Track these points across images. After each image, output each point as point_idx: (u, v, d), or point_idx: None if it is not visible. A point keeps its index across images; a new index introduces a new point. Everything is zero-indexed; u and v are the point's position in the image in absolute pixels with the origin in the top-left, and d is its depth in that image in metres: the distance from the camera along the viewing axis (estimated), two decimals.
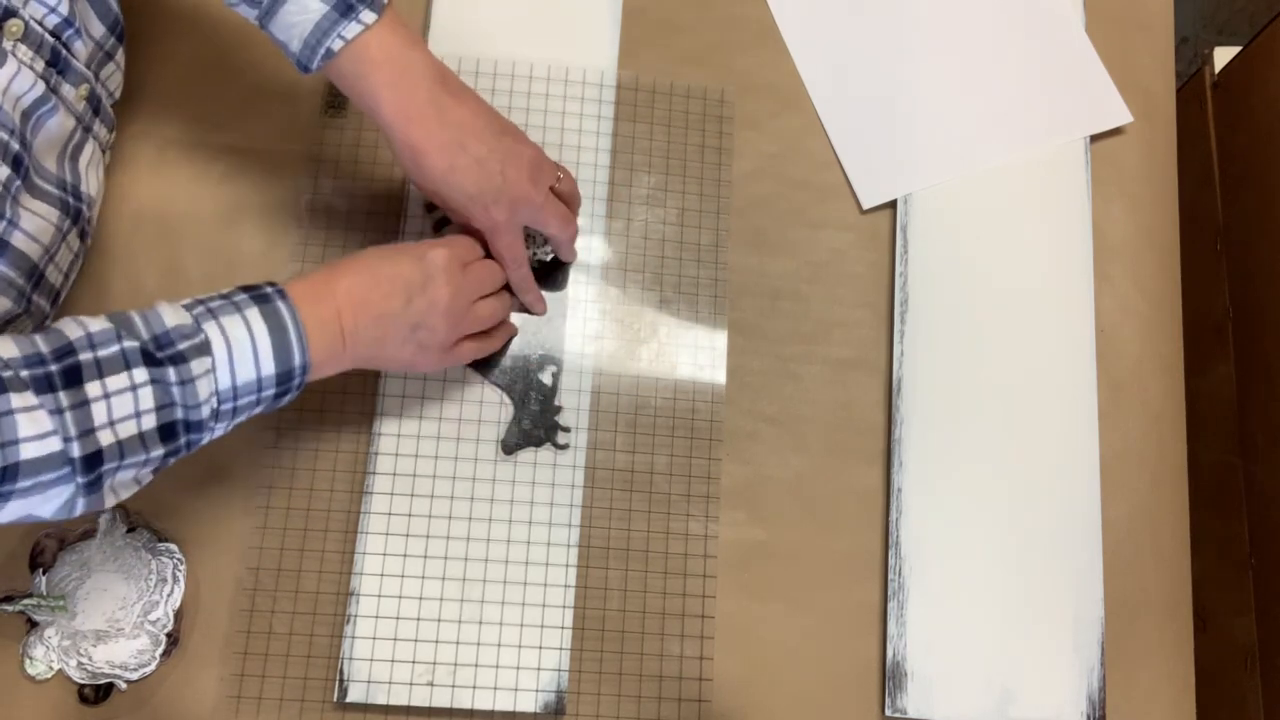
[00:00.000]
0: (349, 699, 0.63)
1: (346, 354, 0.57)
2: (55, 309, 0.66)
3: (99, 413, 0.48)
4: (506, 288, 0.67)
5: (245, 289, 0.54)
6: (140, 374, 0.49)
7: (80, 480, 0.47)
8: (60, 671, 0.61)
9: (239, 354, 0.51)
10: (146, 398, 0.49)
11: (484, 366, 0.69)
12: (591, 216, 0.73)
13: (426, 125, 0.59)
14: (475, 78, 0.74)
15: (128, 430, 0.48)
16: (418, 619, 0.65)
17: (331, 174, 0.72)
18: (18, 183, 0.57)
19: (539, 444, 0.69)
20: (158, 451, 0.50)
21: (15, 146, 0.56)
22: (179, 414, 0.50)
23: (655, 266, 0.73)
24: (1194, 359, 0.83)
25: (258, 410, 0.54)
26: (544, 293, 0.70)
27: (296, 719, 0.64)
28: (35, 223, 0.59)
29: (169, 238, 0.71)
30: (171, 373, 0.49)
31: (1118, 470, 0.72)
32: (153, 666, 0.61)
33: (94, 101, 0.65)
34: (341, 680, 0.64)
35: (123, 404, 0.48)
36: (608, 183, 0.74)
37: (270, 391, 0.53)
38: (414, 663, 0.64)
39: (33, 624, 0.61)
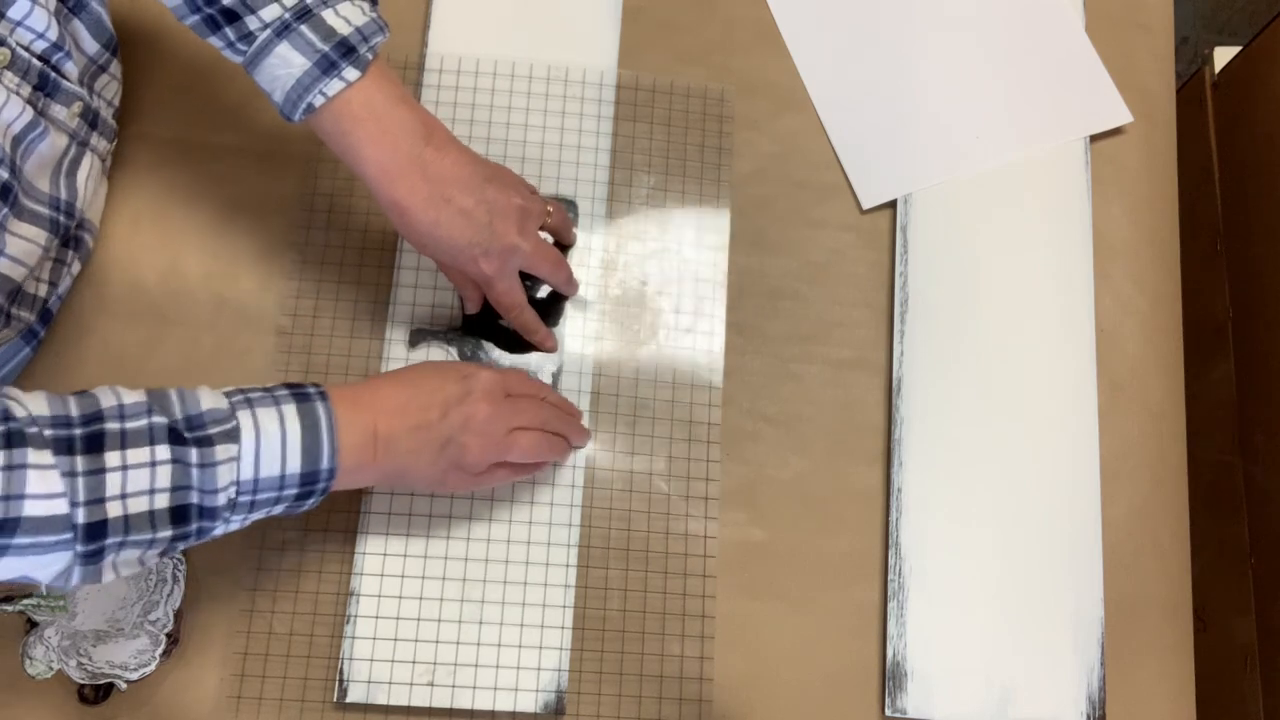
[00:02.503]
0: (349, 699, 0.63)
1: (377, 465, 0.56)
2: (38, 314, 0.66)
3: (112, 483, 0.47)
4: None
5: (289, 386, 0.54)
6: (163, 451, 0.48)
7: (80, 549, 0.47)
8: (60, 671, 0.61)
9: (266, 446, 0.51)
10: (164, 476, 0.48)
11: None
12: (592, 216, 0.73)
13: (409, 181, 0.58)
14: (475, 77, 0.74)
15: (138, 506, 0.48)
16: (418, 619, 0.65)
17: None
18: (5, 210, 0.56)
19: None
20: (165, 533, 0.49)
21: (4, 175, 0.56)
22: (194, 497, 0.49)
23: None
24: (1194, 359, 0.83)
25: (277, 510, 0.53)
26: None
27: (296, 719, 0.64)
28: (21, 246, 0.59)
29: (169, 238, 0.71)
30: (194, 454, 0.49)
31: (1118, 470, 0.72)
32: (153, 666, 0.61)
33: (89, 116, 0.65)
34: (341, 680, 0.64)
35: (138, 478, 0.48)
36: (608, 183, 0.74)
37: (292, 491, 0.52)
38: (414, 663, 0.64)
39: (33, 624, 0.61)
